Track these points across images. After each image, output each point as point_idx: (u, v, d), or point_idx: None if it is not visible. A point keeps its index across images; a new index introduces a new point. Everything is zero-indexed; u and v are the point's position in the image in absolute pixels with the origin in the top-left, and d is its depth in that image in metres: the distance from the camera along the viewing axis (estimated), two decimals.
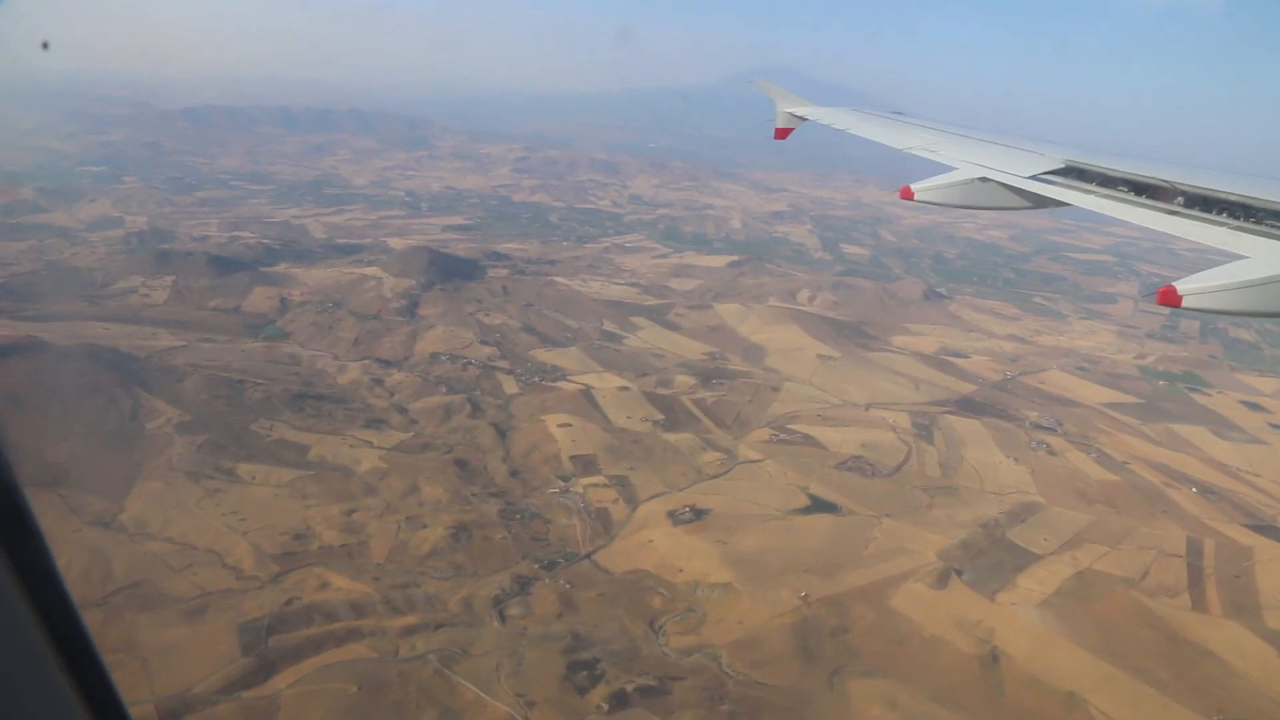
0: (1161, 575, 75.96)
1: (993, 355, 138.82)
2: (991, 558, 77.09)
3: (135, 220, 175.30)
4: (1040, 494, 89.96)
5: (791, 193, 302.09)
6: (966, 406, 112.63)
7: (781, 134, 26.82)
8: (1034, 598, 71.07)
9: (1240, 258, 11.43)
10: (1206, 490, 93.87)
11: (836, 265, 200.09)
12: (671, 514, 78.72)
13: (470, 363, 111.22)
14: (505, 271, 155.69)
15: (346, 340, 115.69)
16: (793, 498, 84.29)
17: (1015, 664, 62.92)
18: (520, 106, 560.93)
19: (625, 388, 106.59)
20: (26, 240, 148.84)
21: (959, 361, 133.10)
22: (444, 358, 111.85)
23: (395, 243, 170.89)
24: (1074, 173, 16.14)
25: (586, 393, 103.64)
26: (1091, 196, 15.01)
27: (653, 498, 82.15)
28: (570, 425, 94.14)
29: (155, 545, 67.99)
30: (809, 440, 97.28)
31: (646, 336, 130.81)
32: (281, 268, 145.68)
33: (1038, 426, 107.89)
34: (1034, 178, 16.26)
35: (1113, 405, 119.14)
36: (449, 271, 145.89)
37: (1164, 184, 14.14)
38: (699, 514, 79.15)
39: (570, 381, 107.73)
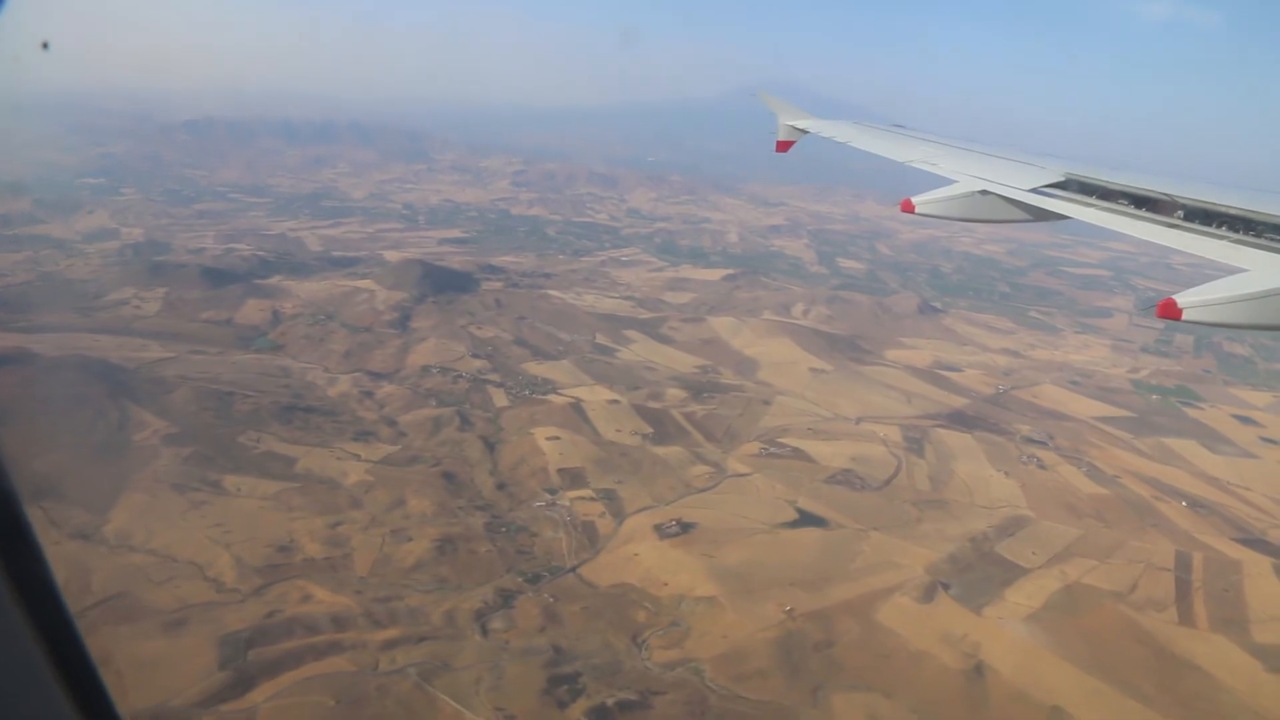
0: (1150, 589, 75.62)
1: (986, 369, 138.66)
2: (979, 572, 76.76)
3: (131, 232, 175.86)
4: (1030, 508, 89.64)
5: (790, 207, 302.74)
6: (958, 420, 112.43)
7: (783, 147, 26.96)
8: (1021, 612, 70.72)
9: (1240, 271, 11.47)
10: (1197, 504, 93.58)
11: (832, 279, 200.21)
12: (658, 527, 78.44)
13: (461, 375, 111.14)
14: (499, 284, 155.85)
15: (338, 353, 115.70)
16: (781, 511, 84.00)
17: (1001, 678, 62.52)
18: (521, 120, 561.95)
19: (615, 401, 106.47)
20: (22, 252, 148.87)
21: (952, 375, 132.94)
22: (435, 370, 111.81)
23: (391, 255, 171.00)
24: (1074, 186, 16.18)
25: (576, 406, 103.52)
26: (1092, 209, 15.06)
27: (640, 511, 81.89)
28: (559, 438, 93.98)
29: (137, 557, 67.76)
30: (799, 454, 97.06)
31: (639, 350, 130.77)
32: (275, 280, 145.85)
33: (1029, 440, 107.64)
34: (1034, 190, 16.32)
35: (1105, 419, 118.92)
36: (442, 284, 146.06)
37: (1164, 197, 14.18)
38: (686, 527, 78.87)
39: (560, 394, 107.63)
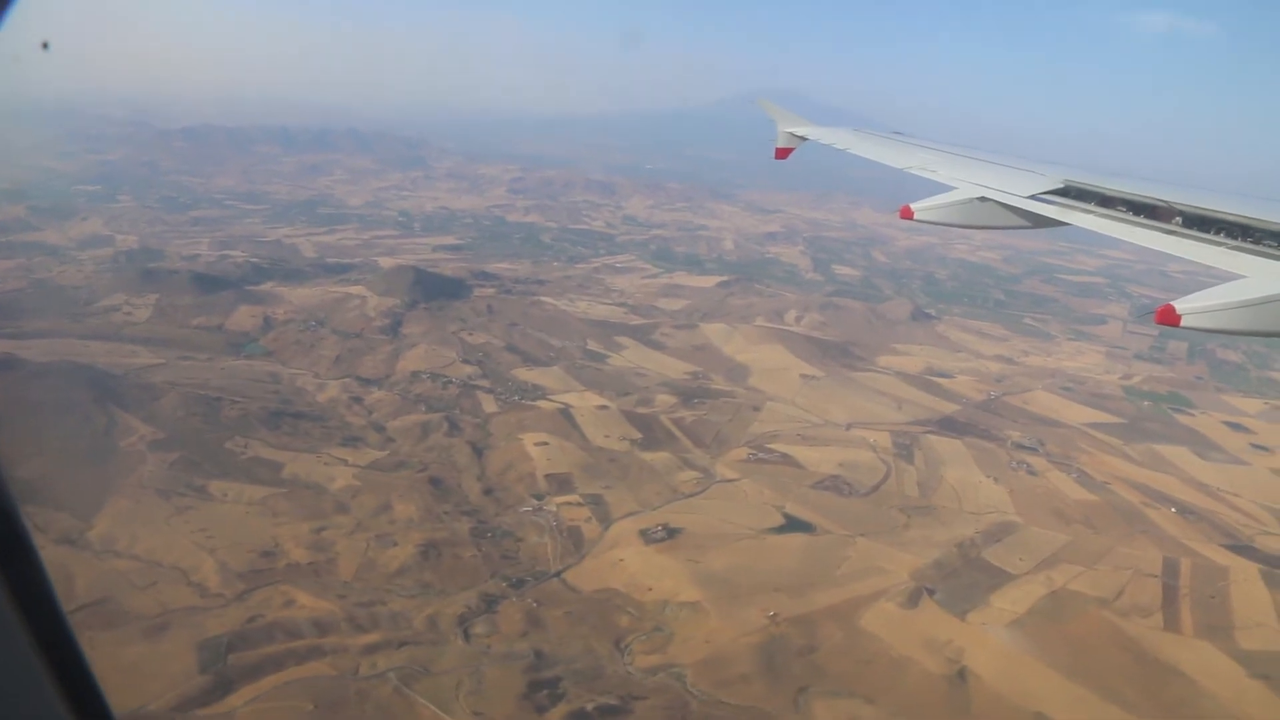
0: (1136, 595, 75.49)
1: (978, 375, 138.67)
2: (965, 578, 76.66)
3: (126, 239, 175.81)
4: (1018, 514, 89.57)
5: (786, 214, 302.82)
6: (948, 426, 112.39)
7: (782, 154, 27.02)
8: (1005, 617, 70.62)
9: (1238, 277, 11.51)
10: (1186, 510, 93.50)
11: (827, 286, 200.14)
12: (644, 533, 78.40)
13: (451, 381, 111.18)
14: (492, 291, 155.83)
15: (328, 358, 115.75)
16: (767, 517, 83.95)
17: (983, 684, 62.43)
18: (520, 128, 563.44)
19: (604, 406, 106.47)
20: (15, 258, 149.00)
21: (944, 382, 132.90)
22: (424, 376, 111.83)
23: (385, 262, 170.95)
24: (1073, 193, 16.20)
25: (565, 411, 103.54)
26: (1090, 216, 15.09)
27: (626, 516, 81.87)
28: (547, 444, 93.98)
29: (121, 563, 67.70)
30: (787, 459, 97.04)
31: (630, 356, 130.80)
32: (268, 286, 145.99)
33: (1019, 446, 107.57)
34: (1033, 197, 16.34)
35: (1096, 425, 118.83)
36: (434, 291, 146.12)
37: (1162, 204, 14.22)
38: (672, 533, 78.82)
39: (550, 400, 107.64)
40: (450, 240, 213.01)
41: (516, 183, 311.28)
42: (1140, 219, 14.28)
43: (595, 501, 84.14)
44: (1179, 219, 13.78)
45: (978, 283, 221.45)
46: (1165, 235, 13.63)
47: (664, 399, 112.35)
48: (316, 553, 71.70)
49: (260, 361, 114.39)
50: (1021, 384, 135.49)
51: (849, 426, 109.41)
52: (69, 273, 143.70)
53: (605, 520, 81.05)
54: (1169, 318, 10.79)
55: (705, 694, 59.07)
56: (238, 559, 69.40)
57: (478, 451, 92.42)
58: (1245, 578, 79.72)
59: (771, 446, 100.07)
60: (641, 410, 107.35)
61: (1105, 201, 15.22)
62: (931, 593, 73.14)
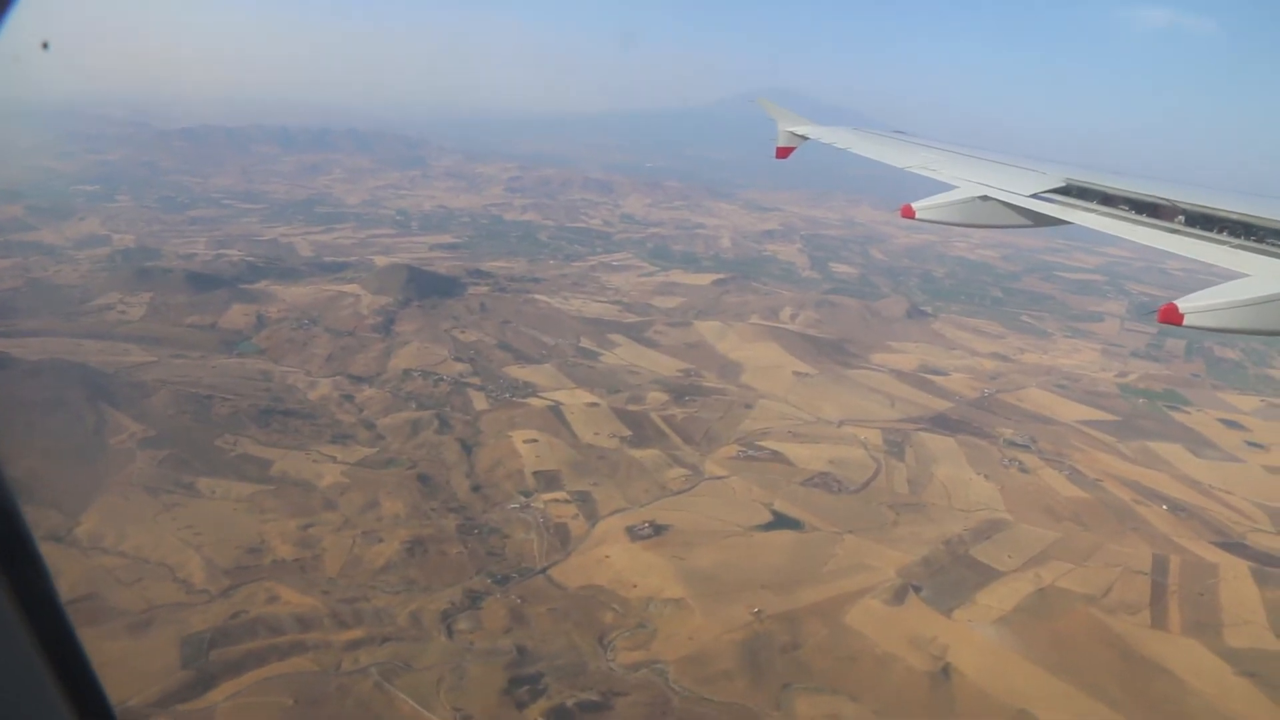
0: (1124, 592, 75.34)
1: (973, 373, 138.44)
2: (952, 575, 76.51)
3: (123, 238, 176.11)
4: (1008, 511, 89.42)
5: (784, 212, 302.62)
6: (941, 424, 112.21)
7: (782, 153, 26.89)
8: (992, 615, 70.48)
9: (1241, 276, 11.44)
10: (1178, 508, 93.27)
11: (824, 283, 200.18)
12: (631, 530, 78.35)
13: (442, 379, 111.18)
14: (486, 289, 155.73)
15: (320, 356, 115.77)
16: (756, 514, 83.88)
17: (967, 681, 62.33)
18: (519, 127, 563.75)
19: (595, 404, 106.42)
20: (12, 258, 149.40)
21: (938, 379, 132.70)
22: (416, 374, 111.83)
23: (381, 261, 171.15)
24: (1075, 191, 16.10)
25: (555, 409, 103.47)
26: (1092, 215, 14.99)
27: (613, 513, 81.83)
28: (536, 441, 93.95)
29: (108, 559, 67.81)
30: (777, 456, 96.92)
31: (623, 353, 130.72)
32: (262, 285, 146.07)
33: (1011, 444, 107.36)
34: (1035, 196, 16.23)
35: (1090, 423, 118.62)
36: (428, 289, 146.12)
37: (1165, 202, 14.12)
38: (659, 530, 78.76)
39: (541, 398, 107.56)
40: (447, 239, 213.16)
41: (514, 181, 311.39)
42: (1143, 217, 14.21)
43: (583, 498, 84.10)
44: (1182, 217, 13.68)
45: (975, 280, 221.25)
46: (1168, 234, 13.54)
47: (655, 396, 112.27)
48: (302, 549, 71.74)
49: (252, 359, 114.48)
50: (1016, 381, 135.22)
51: (841, 424, 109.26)
52: (65, 272, 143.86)
53: (592, 517, 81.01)
54: (1171, 317, 10.70)
55: (687, 690, 59.00)
56: (224, 555, 69.47)
57: (467, 449, 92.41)
58: (1235, 575, 79.52)
59: (762, 444, 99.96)
60: (632, 407, 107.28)
61: (1107, 200, 15.14)
62: (918, 590, 73.03)
